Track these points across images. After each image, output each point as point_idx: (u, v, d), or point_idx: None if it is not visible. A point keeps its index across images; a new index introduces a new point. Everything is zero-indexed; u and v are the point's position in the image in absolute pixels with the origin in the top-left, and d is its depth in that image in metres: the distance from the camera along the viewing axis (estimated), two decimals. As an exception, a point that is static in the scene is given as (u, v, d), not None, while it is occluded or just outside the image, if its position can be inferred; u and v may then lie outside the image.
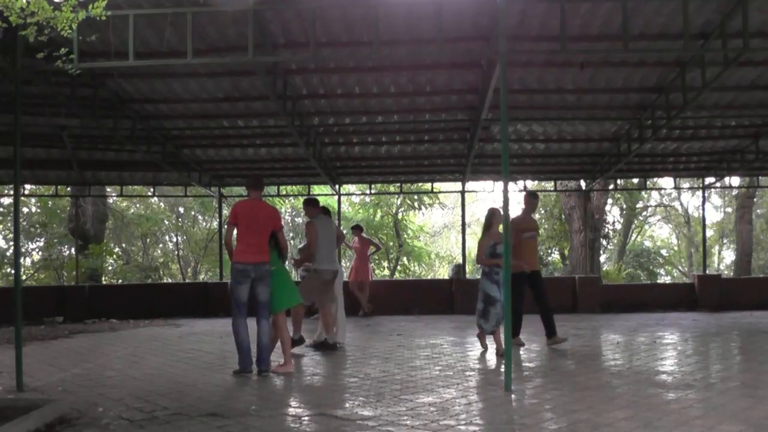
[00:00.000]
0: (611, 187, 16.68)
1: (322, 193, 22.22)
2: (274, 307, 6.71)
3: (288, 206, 26.68)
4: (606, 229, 18.70)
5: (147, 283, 18.69)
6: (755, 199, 22.53)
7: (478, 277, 8.09)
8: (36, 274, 20.28)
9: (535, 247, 8.56)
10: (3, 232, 21.86)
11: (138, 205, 24.06)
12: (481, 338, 7.93)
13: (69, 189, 16.95)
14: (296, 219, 27.71)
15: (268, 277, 6.61)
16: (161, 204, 24.53)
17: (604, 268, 19.62)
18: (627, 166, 13.08)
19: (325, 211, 8.73)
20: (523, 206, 8.67)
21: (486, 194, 25.96)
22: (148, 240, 24.35)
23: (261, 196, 7.02)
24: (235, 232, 6.63)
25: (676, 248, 30.76)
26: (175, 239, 25.56)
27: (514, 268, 7.29)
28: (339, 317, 8.46)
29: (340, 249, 11.99)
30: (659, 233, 32.04)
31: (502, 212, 6.48)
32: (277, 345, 6.93)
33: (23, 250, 19.85)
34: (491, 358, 7.46)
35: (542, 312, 8.17)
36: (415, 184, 16.97)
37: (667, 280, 26.95)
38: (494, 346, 7.67)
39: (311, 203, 8.51)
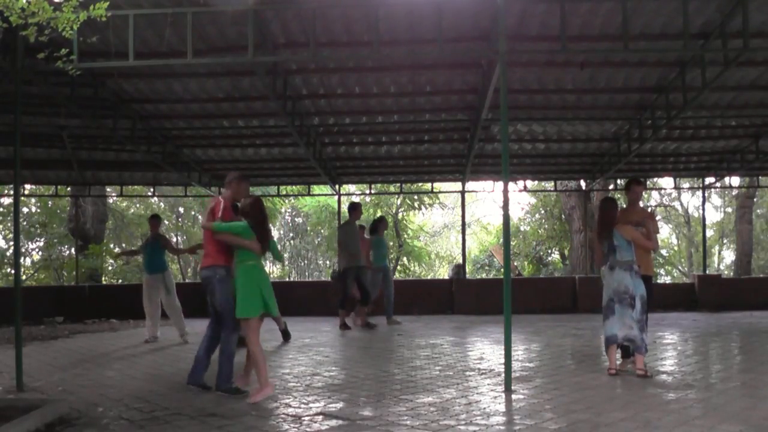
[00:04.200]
0: (611, 187, 16.67)
1: (322, 193, 22.27)
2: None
3: (288, 206, 26.70)
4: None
5: (147, 283, 18.64)
6: (755, 199, 22.51)
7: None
8: (36, 274, 20.26)
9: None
10: (3, 232, 21.85)
11: (138, 205, 24.05)
12: (636, 362, 6.15)
13: (69, 189, 16.95)
14: (296, 219, 27.72)
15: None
16: (161, 204, 24.53)
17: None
18: (627, 166, 13.09)
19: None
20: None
21: (486, 194, 25.92)
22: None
23: None
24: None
25: (676, 248, 30.74)
26: (175, 239, 25.55)
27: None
28: (156, 314, 9.55)
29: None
30: (659, 233, 32.02)
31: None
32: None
33: (23, 250, 19.84)
34: (491, 358, 7.45)
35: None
36: (415, 184, 16.98)
37: (667, 280, 26.94)
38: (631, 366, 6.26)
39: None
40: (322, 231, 25.26)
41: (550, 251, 22.96)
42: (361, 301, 10.80)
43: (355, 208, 11.14)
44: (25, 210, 20.68)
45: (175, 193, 19.95)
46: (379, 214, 23.43)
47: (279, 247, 6.12)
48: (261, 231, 5.57)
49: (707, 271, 16.07)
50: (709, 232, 26.86)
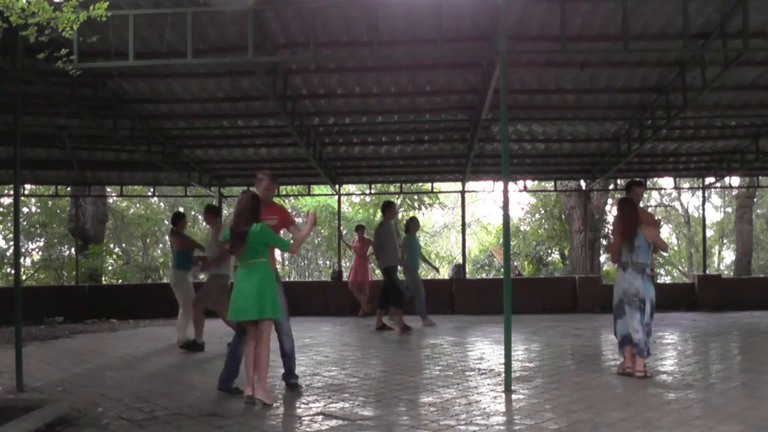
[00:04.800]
0: (611, 187, 16.69)
1: (322, 193, 22.27)
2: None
3: (288, 206, 26.70)
4: (606, 229, 18.70)
5: (147, 283, 18.67)
6: (755, 199, 22.51)
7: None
8: (36, 274, 20.26)
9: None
10: (3, 232, 21.85)
11: (138, 205, 24.06)
12: (641, 365, 6.12)
13: (69, 189, 16.95)
14: (296, 219, 27.66)
15: None
16: (161, 204, 24.53)
17: (604, 268, 19.63)
18: (627, 166, 13.10)
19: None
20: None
21: (486, 194, 25.91)
22: (148, 240, 24.34)
23: None
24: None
25: (676, 248, 30.74)
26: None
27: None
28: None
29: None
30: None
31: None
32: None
33: (23, 250, 19.83)
34: (491, 358, 7.45)
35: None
36: (415, 184, 16.98)
37: (667, 280, 26.94)
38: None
39: (210, 211, 8.88)
40: (322, 231, 25.24)
41: (550, 251, 22.95)
42: (395, 303, 10.22)
43: (389, 206, 10.78)
44: (25, 210, 20.69)
45: (175, 193, 19.95)
46: (379, 214, 23.44)
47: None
48: (240, 222, 5.22)
49: (707, 271, 16.07)
50: (709, 232, 26.88)
